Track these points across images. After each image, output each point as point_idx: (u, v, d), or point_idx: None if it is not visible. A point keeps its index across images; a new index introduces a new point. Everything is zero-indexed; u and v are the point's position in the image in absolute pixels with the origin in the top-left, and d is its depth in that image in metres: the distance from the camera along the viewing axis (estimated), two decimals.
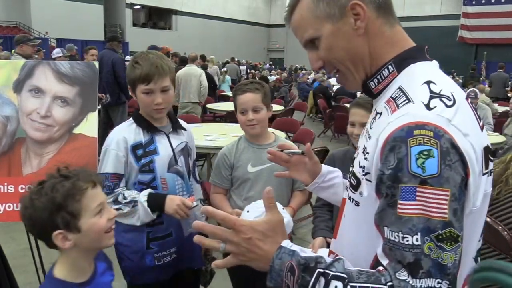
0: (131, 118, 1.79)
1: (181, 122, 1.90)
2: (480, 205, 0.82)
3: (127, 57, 13.83)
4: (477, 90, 6.11)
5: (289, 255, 0.80)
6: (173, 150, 1.79)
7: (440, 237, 0.73)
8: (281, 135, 3.37)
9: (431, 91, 0.81)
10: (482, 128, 0.86)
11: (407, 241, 0.74)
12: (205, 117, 7.40)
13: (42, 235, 1.17)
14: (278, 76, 15.76)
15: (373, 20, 0.89)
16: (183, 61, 7.03)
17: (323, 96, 10.14)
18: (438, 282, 0.73)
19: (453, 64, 14.60)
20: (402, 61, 0.89)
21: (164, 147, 1.76)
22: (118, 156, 1.69)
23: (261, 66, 21.83)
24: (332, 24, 0.90)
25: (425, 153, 0.74)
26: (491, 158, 0.88)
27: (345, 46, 0.91)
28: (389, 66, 0.90)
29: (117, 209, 1.66)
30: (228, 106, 6.81)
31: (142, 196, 1.67)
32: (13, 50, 5.34)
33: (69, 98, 1.85)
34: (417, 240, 0.74)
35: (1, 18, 22.07)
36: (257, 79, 7.36)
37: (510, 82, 12.24)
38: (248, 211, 1.37)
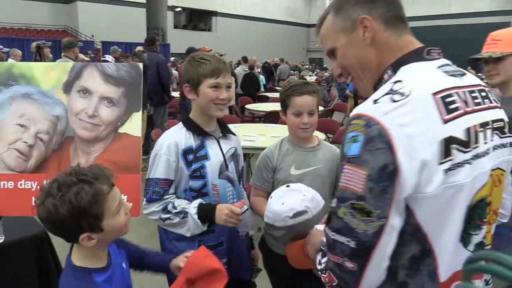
0: (180, 123, 1.77)
1: (230, 126, 1.88)
2: (440, 193, 0.89)
3: (172, 58, 14.22)
4: None
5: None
6: (223, 155, 1.75)
7: (353, 205, 0.89)
8: (321, 136, 3.34)
9: (390, 89, 0.95)
10: (448, 120, 0.92)
11: (332, 204, 0.96)
12: (244, 118, 7.45)
13: (65, 236, 1.21)
14: (316, 77, 15.59)
15: (380, 32, 1.03)
16: None
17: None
18: (347, 240, 0.91)
19: None
20: (398, 65, 1.01)
21: (214, 152, 1.73)
22: (169, 161, 1.66)
23: (307, 67, 21.60)
24: (346, 36, 1.06)
25: (354, 138, 0.91)
26: (461, 149, 0.92)
27: (356, 54, 1.06)
28: (388, 71, 1.03)
29: (166, 219, 1.67)
30: (267, 107, 6.82)
31: (192, 208, 1.64)
32: (62, 53, 5.58)
33: (115, 99, 1.91)
34: (333, 203, 0.95)
35: (50, 23, 23.21)
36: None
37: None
38: (283, 203, 1.55)
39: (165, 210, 1.67)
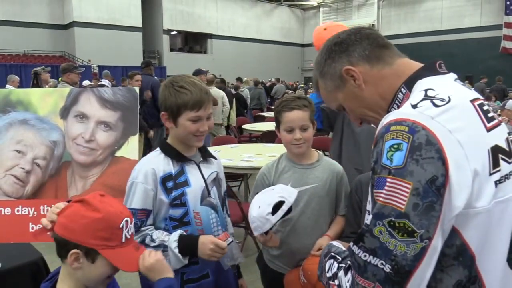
0: (158, 148, 1.67)
1: (210, 150, 1.79)
2: (491, 208, 0.82)
3: None
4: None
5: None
6: (205, 180, 1.65)
7: (392, 223, 0.79)
8: None
9: (425, 95, 0.88)
10: (490, 129, 0.87)
11: (367, 220, 0.85)
12: (241, 138, 7.47)
13: (63, 244, 1.17)
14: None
15: (368, 72, 1.00)
16: (210, 82, 7.16)
17: None
18: (382, 263, 0.79)
19: (497, 76, 13.98)
20: (412, 81, 0.96)
21: (195, 177, 1.62)
22: (146, 190, 1.55)
23: (301, 85, 21.76)
24: (341, 92, 1.05)
25: (395, 146, 0.81)
26: (506, 159, 0.87)
27: (360, 103, 1.04)
28: (402, 89, 0.97)
29: None
30: (264, 127, 6.85)
31: (172, 242, 1.51)
32: (60, 78, 5.64)
33: (112, 123, 1.93)
34: (368, 220, 0.84)
35: (48, 48, 23.42)
36: None
37: (487, 91, 12.43)
38: (259, 206, 1.55)
39: (142, 243, 1.52)
